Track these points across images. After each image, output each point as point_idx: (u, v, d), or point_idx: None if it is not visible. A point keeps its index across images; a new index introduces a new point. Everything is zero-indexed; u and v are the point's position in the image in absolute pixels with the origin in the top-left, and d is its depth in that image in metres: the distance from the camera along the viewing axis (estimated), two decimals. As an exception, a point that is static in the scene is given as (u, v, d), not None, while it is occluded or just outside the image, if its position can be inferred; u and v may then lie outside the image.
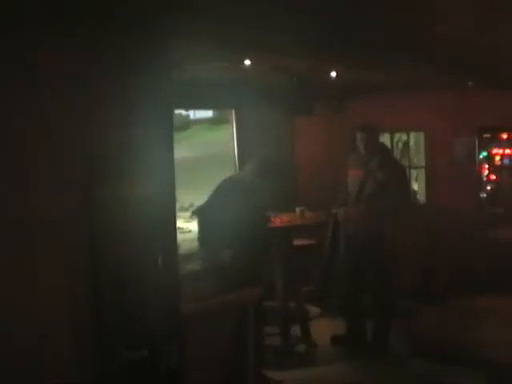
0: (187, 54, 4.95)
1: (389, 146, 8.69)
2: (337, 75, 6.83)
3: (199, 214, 6.25)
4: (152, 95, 3.93)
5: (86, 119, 3.85)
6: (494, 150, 8.50)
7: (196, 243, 6.42)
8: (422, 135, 9.17)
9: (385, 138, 8.90)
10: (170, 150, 4.01)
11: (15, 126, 3.60)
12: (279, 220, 6.79)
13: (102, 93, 3.90)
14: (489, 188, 8.51)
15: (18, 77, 3.63)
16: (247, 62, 5.70)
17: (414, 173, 9.56)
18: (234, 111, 8.20)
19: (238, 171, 7.86)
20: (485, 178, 8.54)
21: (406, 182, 7.20)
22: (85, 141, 3.84)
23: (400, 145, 10.52)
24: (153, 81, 3.94)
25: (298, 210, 7.17)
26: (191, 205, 8.73)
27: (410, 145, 10.12)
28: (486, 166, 8.54)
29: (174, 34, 3.96)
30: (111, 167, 3.79)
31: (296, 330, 7.12)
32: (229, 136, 8.42)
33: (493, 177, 8.51)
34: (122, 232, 3.77)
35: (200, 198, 6.45)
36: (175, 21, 3.90)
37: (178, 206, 6.26)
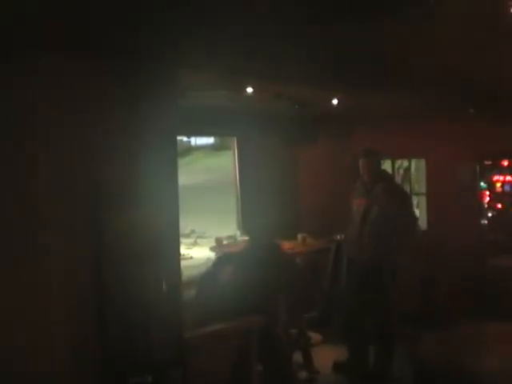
0: (190, 81, 5.00)
1: (390, 172, 8.72)
2: (338, 103, 6.87)
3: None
4: (157, 122, 3.97)
5: (90, 145, 3.88)
6: (495, 177, 8.52)
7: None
8: (423, 162, 9.19)
9: (386, 165, 8.94)
10: (175, 175, 4.04)
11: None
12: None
13: (107, 119, 3.94)
14: (490, 215, 8.53)
15: (20, 100, 3.69)
16: (249, 90, 5.74)
17: (415, 199, 9.57)
18: (235, 139, 8.24)
19: (239, 199, 7.88)
20: (486, 205, 8.56)
21: (411, 209, 7.19)
22: (89, 166, 3.87)
23: (401, 171, 10.56)
24: (158, 108, 3.98)
25: (299, 236, 7.19)
26: (192, 231, 8.75)
27: (411, 171, 10.15)
28: (487, 192, 8.56)
29: (179, 62, 4.00)
30: (116, 193, 3.82)
31: (298, 356, 7.10)
32: (230, 162, 8.46)
33: (493, 204, 8.53)
34: (127, 257, 3.79)
35: (201, 225, 6.47)
36: (179, 49, 3.95)
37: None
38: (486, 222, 8.56)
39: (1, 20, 3.41)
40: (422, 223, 9.06)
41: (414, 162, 9.94)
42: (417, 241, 7.39)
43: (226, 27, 4.19)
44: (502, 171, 8.49)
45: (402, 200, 6.89)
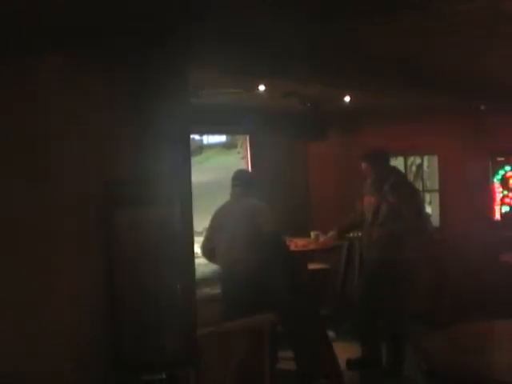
0: (203, 80, 5.02)
1: (402, 169, 8.69)
2: (350, 100, 6.88)
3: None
4: (170, 121, 3.97)
5: (103, 145, 3.90)
6: (508, 173, 8.51)
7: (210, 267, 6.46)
8: (435, 158, 9.17)
9: (398, 162, 8.92)
10: (188, 174, 4.05)
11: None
12: (294, 244, 6.80)
13: (120, 118, 3.96)
14: (502, 211, 8.51)
15: (28, 101, 3.71)
16: (261, 88, 5.75)
17: (427, 196, 9.56)
18: (248, 137, 8.25)
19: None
20: (498, 202, 8.54)
21: (420, 205, 7.17)
22: (101, 166, 3.88)
23: (413, 168, 10.53)
24: (171, 107, 3.99)
25: (312, 234, 7.19)
26: (205, 229, 8.75)
27: (424, 168, 10.12)
28: (500, 189, 8.54)
29: (192, 61, 4.01)
30: (129, 192, 3.83)
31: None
32: (242, 160, 8.46)
33: (506, 200, 8.51)
34: (140, 257, 3.80)
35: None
36: (192, 48, 3.96)
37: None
38: (498, 218, 8.54)
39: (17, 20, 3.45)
40: (435, 220, 9.04)
41: (426, 159, 9.91)
42: (429, 238, 7.38)
43: (237, 25, 4.21)
44: (515, 167, 8.48)
45: (412, 197, 6.87)
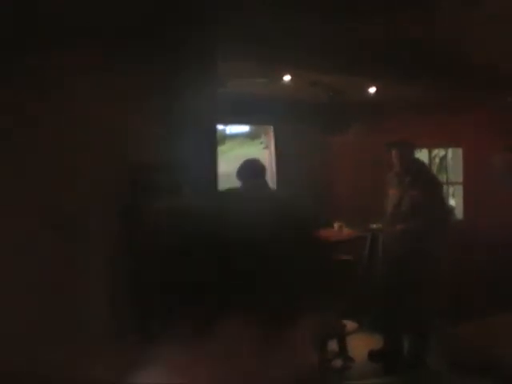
0: (229, 69, 5.02)
1: (426, 161, 8.65)
2: (376, 91, 6.86)
3: None
4: (197, 110, 3.99)
5: (129, 133, 3.92)
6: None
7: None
8: (459, 151, 9.11)
9: (422, 154, 8.87)
10: (214, 164, 4.06)
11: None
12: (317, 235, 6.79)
13: (146, 107, 3.98)
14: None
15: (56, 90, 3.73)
16: (287, 78, 5.75)
17: (451, 189, 9.51)
18: (272, 127, 8.25)
19: (275, 186, 7.89)
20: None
21: (442, 198, 7.15)
22: (128, 154, 3.90)
23: (437, 160, 10.47)
24: (198, 96, 4.00)
25: (336, 225, 7.19)
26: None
27: (448, 160, 10.07)
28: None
29: (218, 50, 4.02)
30: (156, 180, 3.85)
31: (333, 344, 7.11)
32: (265, 151, 8.46)
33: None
34: (166, 246, 3.81)
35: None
36: (218, 38, 3.97)
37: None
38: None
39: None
40: (459, 213, 9.00)
41: (450, 151, 9.85)
42: (452, 230, 7.35)
43: (264, 15, 4.21)
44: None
45: (434, 190, 6.86)
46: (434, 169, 9.88)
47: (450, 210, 8.85)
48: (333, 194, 8.76)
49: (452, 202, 9.72)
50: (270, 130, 8.31)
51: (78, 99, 3.81)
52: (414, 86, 6.90)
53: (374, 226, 7.51)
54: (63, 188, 3.80)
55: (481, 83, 6.80)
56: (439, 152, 10.11)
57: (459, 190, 9.29)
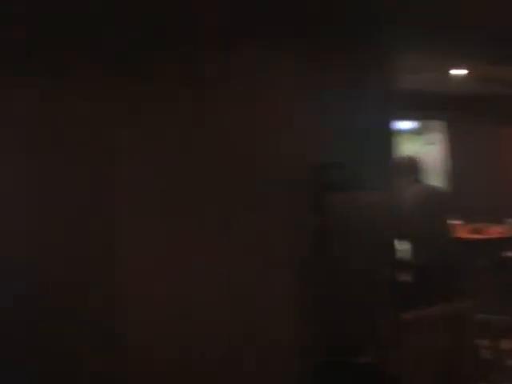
0: (404, 65, 5.03)
1: None
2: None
3: None
4: (377, 106, 4.03)
5: (309, 131, 3.99)
6: None
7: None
8: None
9: None
10: (390, 161, 4.08)
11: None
12: (489, 231, 6.71)
13: (325, 105, 4.04)
14: None
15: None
16: (461, 72, 5.68)
17: None
18: (446, 123, 8.14)
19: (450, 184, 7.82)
20: None
21: None
22: (310, 152, 3.97)
23: None
24: (375, 92, 4.04)
25: (510, 221, 7.03)
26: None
27: None
28: None
29: (397, 46, 4.04)
30: (339, 176, 3.91)
31: (507, 343, 6.92)
32: (433, 148, 8.36)
33: None
34: (348, 238, 3.88)
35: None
36: (397, 34, 3.99)
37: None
38: None
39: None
40: None
41: None
42: None
43: (442, 10, 4.19)
44: None
45: None
46: None
47: None
48: (503, 189, 8.50)
49: None
50: (442, 125, 8.21)
51: (265, 100, 3.90)
52: None
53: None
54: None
55: None
56: None
57: None
